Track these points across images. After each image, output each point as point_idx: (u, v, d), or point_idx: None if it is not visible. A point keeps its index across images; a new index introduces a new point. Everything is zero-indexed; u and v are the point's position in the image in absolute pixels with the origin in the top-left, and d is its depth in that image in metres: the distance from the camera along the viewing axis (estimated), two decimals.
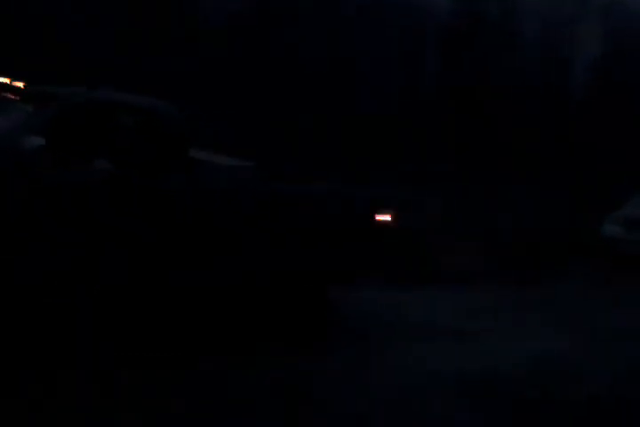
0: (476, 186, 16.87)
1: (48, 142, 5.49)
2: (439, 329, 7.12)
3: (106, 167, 5.75)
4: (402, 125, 21.30)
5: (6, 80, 6.20)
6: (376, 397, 4.88)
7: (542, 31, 28.74)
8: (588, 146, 24.10)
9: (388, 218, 7.28)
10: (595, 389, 5.40)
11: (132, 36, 18.73)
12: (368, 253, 7.30)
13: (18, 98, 5.98)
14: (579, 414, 4.87)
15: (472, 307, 8.45)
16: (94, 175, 5.70)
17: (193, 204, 6.14)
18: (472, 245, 11.86)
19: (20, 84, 6.15)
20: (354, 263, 7.20)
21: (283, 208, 6.59)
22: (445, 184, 16.16)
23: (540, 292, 10.17)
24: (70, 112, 5.70)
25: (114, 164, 5.79)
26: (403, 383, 5.21)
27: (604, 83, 28.44)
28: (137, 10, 18.95)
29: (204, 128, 10.89)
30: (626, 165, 21.79)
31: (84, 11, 18.89)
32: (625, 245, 12.78)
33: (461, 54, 26.67)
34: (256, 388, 4.81)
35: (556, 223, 14.42)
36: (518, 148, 22.60)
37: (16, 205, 5.41)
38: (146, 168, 5.97)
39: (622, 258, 12.84)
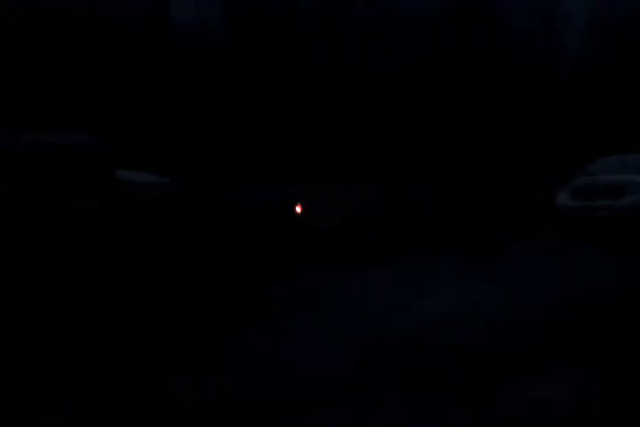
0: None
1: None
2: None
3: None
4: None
5: None
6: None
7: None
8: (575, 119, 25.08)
9: (299, 210, 8.26)
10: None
11: None
12: (299, 243, 8.31)
13: None
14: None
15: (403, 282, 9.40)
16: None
17: (117, 218, 7.10)
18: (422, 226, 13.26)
19: None
20: (288, 254, 8.16)
21: (217, 215, 7.59)
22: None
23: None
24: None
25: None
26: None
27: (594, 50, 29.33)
28: None
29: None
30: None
31: None
32: (569, 210, 13.99)
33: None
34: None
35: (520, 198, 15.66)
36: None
37: None
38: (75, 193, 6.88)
39: (568, 222, 14.05)
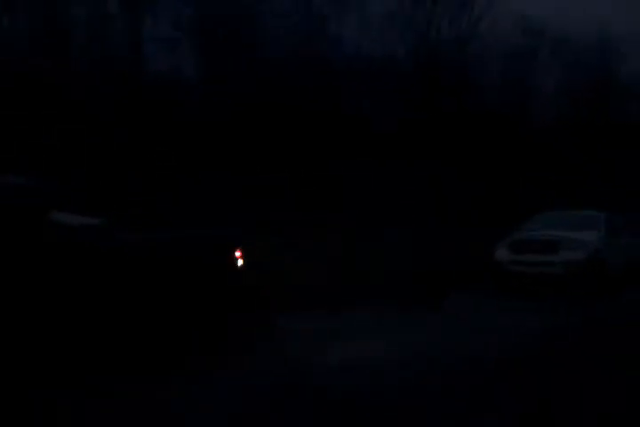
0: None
1: None
2: None
3: None
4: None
5: None
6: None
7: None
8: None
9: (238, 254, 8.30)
10: None
11: None
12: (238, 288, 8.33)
13: None
14: None
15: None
16: None
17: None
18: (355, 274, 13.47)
19: None
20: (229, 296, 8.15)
21: (134, 256, 7.64)
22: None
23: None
24: None
25: None
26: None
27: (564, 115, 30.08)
28: None
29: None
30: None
31: None
32: (509, 265, 14.22)
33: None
34: None
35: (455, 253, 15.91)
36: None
37: None
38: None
39: (507, 276, 14.26)
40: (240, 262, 8.41)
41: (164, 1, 26.92)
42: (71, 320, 7.12)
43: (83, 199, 9.49)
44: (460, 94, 28.45)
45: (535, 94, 30.99)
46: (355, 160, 23.04)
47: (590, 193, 23.76)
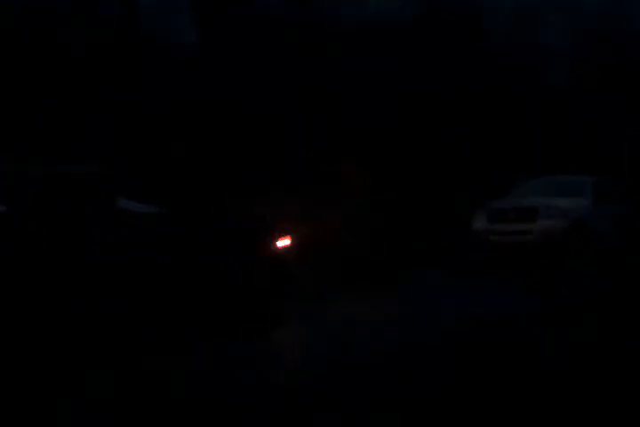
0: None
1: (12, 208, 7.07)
2: None
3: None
4: None
5: None
6: None
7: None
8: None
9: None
10: None
11: None
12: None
13: None
14: None
15: None
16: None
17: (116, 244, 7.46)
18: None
19: None
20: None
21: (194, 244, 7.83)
22: None
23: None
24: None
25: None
26: None
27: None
28: None
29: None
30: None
31: None
32: (486, 234, 13.25)
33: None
34: None
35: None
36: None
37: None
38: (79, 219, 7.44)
39: (484, 247, 13.30)
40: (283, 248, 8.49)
41: None
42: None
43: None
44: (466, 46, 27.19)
45: (547, 50, 29.58)
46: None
47: (602, 156, 22.53)
